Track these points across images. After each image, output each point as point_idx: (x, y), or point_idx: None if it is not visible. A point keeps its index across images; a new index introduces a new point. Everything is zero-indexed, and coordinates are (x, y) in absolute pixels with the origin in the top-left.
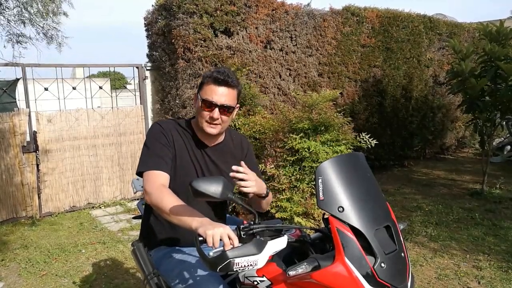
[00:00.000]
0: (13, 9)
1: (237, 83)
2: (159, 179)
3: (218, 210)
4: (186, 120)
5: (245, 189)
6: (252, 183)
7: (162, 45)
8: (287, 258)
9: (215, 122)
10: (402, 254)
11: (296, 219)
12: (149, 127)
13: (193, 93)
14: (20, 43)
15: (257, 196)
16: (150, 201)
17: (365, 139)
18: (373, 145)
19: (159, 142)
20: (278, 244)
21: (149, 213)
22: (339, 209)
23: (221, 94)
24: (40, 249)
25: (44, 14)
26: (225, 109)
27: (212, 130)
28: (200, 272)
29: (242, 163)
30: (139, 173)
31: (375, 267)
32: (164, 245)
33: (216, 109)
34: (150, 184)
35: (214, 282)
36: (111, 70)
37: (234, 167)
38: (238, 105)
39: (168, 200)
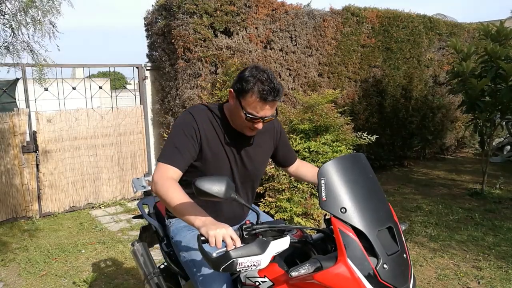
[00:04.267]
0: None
1: (282, 91)
2: (168, 172)
3: (238, 209)
4: (218, 106)
5: None
6: None
7: (162, 45)
8: (288, 259)
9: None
10: (404, 255)
11: (296, 219)
12: (179, 116)
13: (193, 93)
14: (9, 52)
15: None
16: (155, 190)
17: (363, 137)
18: (373, 140)
19: (184, 133)
20: (281, 244)
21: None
22: (342, 210)
23: (267, 109)
24: (40, 249)
25: (31, 24)
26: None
27: (252, 133)
28: None
29: None
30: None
31: (377, 268)
32: None
33: (261, 122)
34: (159, 174)
35: (221, 274)
36: (111, 70)
37: None
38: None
39: (173, 193)
